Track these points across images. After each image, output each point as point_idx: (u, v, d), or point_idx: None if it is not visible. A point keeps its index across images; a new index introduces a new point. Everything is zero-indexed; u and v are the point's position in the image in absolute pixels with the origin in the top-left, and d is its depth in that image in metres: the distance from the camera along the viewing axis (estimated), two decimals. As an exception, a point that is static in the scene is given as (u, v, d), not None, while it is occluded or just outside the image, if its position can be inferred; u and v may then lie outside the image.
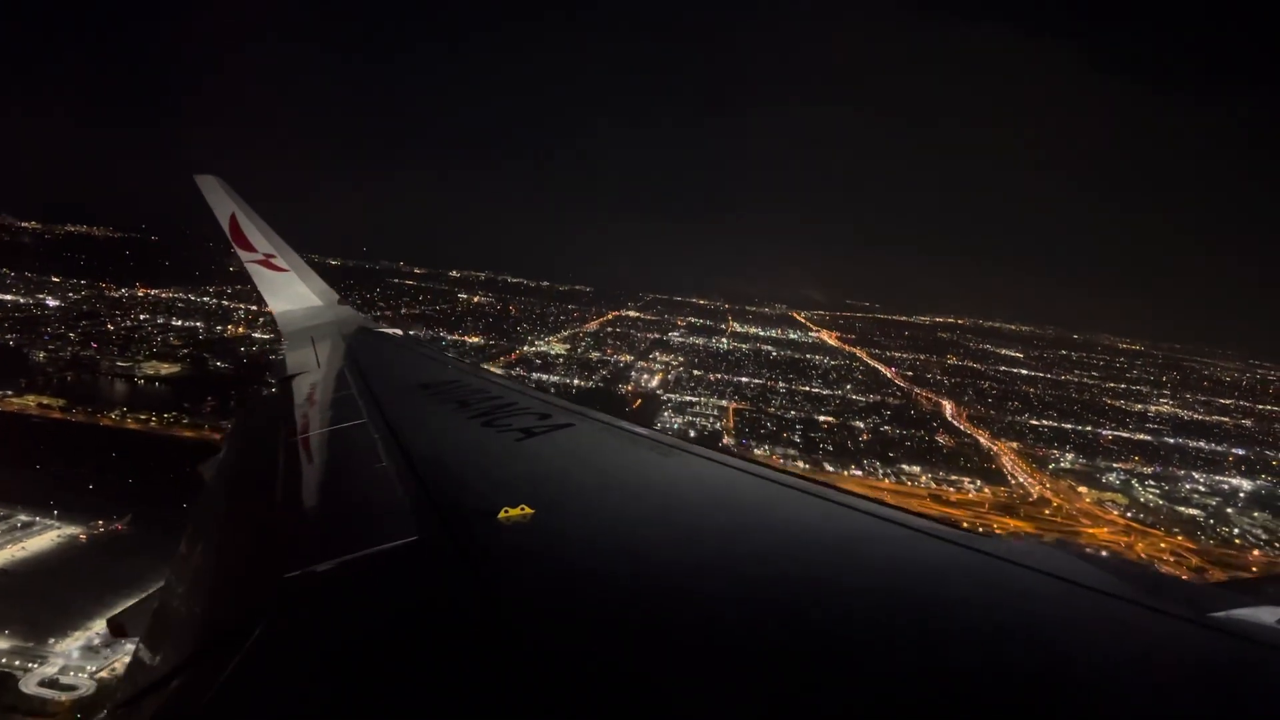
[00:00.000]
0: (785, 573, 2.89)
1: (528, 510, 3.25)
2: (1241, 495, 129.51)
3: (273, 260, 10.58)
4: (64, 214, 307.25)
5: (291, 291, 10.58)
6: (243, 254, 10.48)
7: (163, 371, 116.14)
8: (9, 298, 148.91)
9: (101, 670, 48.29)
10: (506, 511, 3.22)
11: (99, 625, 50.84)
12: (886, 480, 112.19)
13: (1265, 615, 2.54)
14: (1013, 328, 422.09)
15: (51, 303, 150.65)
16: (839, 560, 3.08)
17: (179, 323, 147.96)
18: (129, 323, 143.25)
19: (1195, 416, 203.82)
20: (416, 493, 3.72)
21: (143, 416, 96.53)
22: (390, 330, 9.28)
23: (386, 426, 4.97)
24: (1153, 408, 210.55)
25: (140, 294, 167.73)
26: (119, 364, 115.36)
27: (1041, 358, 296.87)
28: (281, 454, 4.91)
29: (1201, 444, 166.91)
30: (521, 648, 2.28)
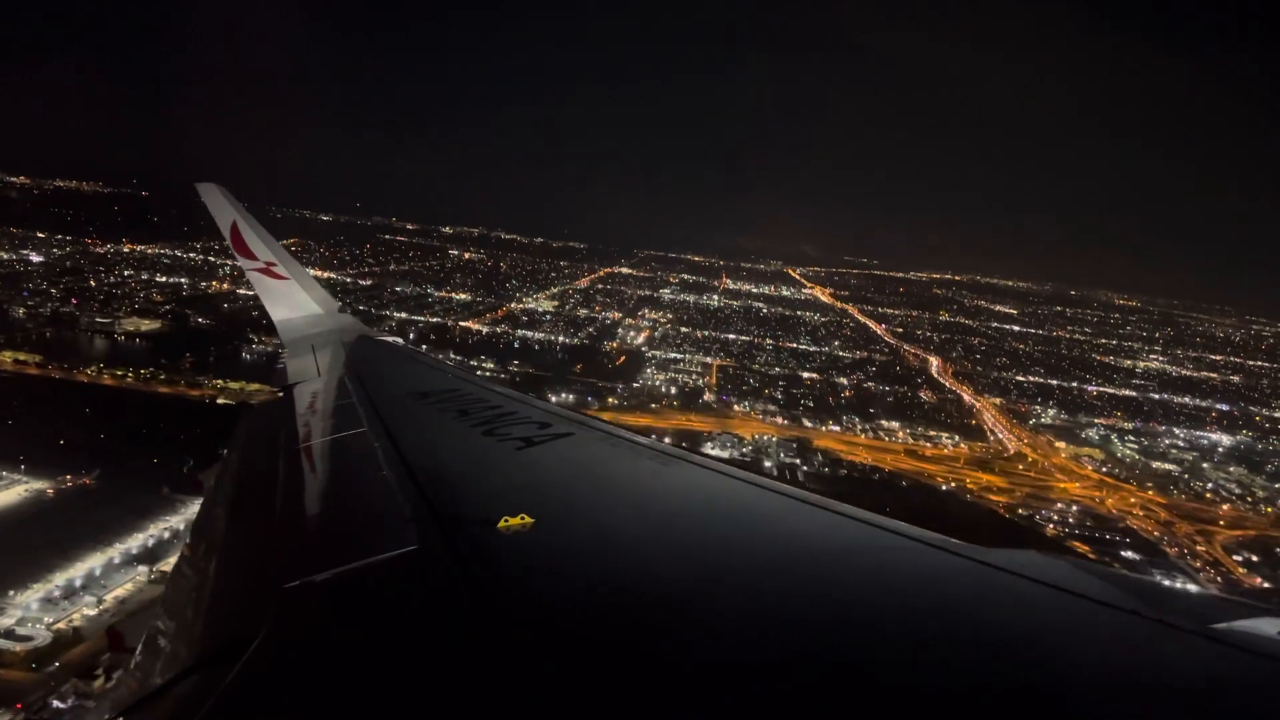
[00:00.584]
0: (784, 583, 2.92)
1: (528, 519, 3.27)
2: (1220, 450, 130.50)
3: (273, 268, 10.55)
4: (54, 169, 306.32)
5: (292, 299, 10.53)
6: (244, 262, 10.50)
7: (143, 328, 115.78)
8: None
9: (59, 622, 49.25)
10: (506, 521, 3.25)
11: (60, 578, 52.02)
12: (864, 436, 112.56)
13: (1267, 627, 2.54)
14: (1010, 284, 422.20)
15: (35, 258, 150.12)
16: (838, 571, 3.09)
17: (163, 279, 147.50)
18: (112, 279, 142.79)
19: (1184, 373, 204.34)
20: (416, 502, 3.73)
21: (119, 372, 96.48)
22: (390, 338, 9.56)
23: (386, 435, 4.96)
24: (1141, 364, 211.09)
25: (126, 250, 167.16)
26: (98, 320, 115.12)
27: (1036, 314, 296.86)
28: (282, 463, 4.89)
29: (1186, 400, 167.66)
30: (521, 658, 2.27)
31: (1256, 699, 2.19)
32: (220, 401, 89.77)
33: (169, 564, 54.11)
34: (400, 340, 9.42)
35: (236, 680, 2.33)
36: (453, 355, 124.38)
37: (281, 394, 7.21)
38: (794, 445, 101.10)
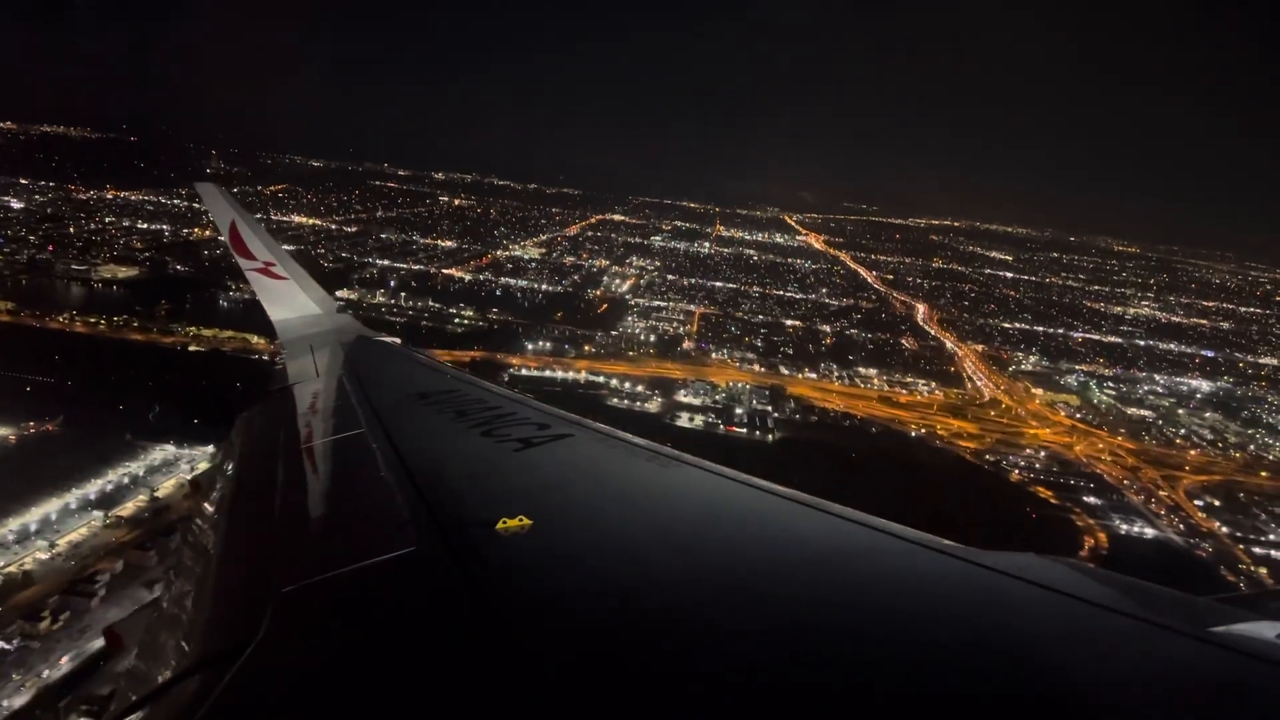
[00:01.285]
0: (783, 586, 2.92)
1: (526, 521, 3.27)
2: (1198, 396, 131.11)
3: (272, 268, 10.45)
4: (42, 115, 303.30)
5: (291, 299, 10.43)
6: (242, 261, 10.41)
7: (120, 275, 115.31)
8: None
9: (10, 565, 49.74)
10: (505, 523, 3.26)
11: (14, 523, 52.52)
12: (839, 383, 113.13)
13: (1266, 630, 2.57)
14: (1010, 230, 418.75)
15: (16, 205, 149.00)
16: (837, 574, 3.10)
17: (145, 225, 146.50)
18: (93, 225, 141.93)
19: (1173, 319, 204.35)
20: (415, 504, 3.73)
21: (92, 320, 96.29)
22: (389, 339, 9.49)
23: (385, 437, 4.94)
24: (1132, 310, 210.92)
25: (110, 196, 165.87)
26: (74, 267, 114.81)
27: (1031, 260, 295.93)
28: (279, 464, 4.89)
29: (1172, 346, 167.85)
30: (519, 660, 2.29)
31: (1255, 703, 2.18)
32: (192, 349, 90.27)
33: (125, 509, 55.05)
34: (398, 341, 9.43)
35: (235, 682, 2.33)
36: (432, 303, 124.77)
37: (280, 393, 7.16)
38: (766, 392, 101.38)
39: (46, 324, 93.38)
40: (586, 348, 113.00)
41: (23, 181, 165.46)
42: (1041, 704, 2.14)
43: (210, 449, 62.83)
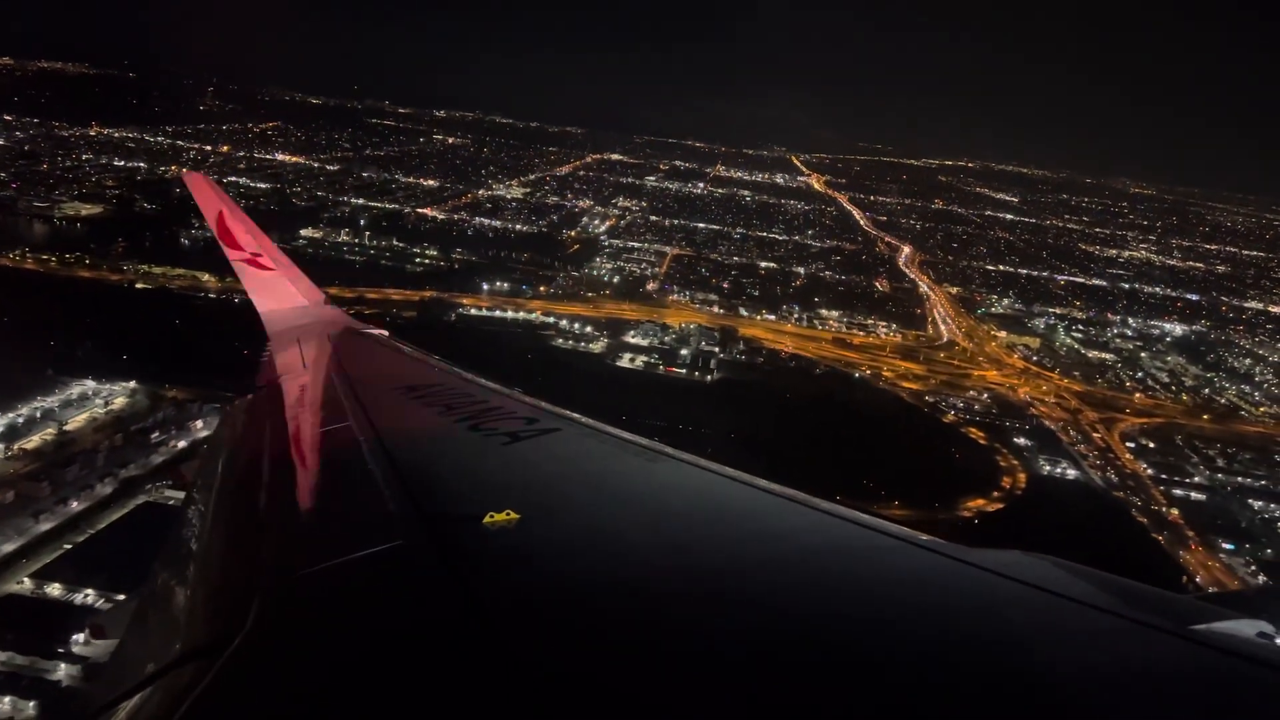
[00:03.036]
0: (768, 581, 2.94)
1: (513, 515, 3.27)
2: (1167, 340, 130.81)
3: (259, 259, 10.19)
4: (42, 50, 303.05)
5: (278, 291, 10.20)
6: (229, 252, 10.21)
7: (83, 212, 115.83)
8: None
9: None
10: (492, 516, 3.25)
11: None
12: (795, 325, 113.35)
13: (1246, 628, 2.61)
14: (1026, 171, 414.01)
15: None
16: (821, 569, 3.13)
17: (122, 163, 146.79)
18: (69, 163, 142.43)
19: (1169, 262, 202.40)
20: (402, 497, 3.72)
21: (45, 257, 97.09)
22: (376, 331, 9.43)
23: (372, 430, 4.89)
24: (1127, 253, 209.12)
25: (93, 133, 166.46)
26: (36, 205, 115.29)
27: (1038, 202, 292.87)
28: (265, 458, 4.87)
29: (1157, 290, 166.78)
30: (504, 654, 2.31)
31: (1235, 700, 2.22)
32: (139, 286, 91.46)
33: (31, 442, 56.77)
34: (386, 333, 9.26)
35: (221, 674, 2.35)
36: (397, 242, 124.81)
37: (267, 386, 7.11)
38: (716, 334, 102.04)
39: None
40: (545, 288, 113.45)
41: (6, 118, 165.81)
42: (1025, 700, 2.15)
43: (132, 384, 64.42)
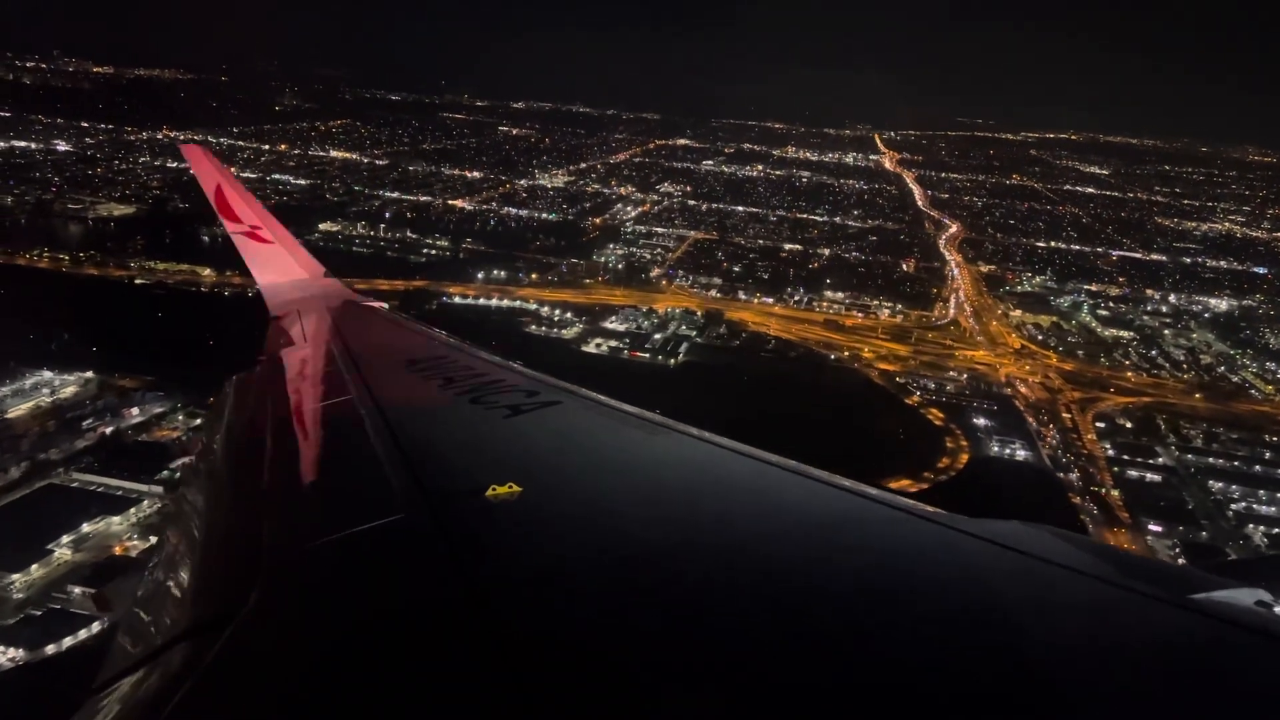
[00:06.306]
0: (769, 553, 2.95)
1: (515, 488, 3.28)
2: (1205, 316, 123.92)
3: (259, 232, 10.10)
4: (140, 58, 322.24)
5: (277, 264, 10.13)
6: (229, 225, 10.04)
7: (115, 213, 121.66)
8: (21, 144, 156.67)
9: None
10: (495, 489, 3.25)
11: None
12: (787, 307, 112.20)
13: (1244, 597, 2.61)
14: (1134, 142, 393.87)
15: (62, 147, 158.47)
16: (823, 541, 3.11)
17: (174, 164, 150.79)
18: (124, 165, 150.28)
19: (1252, 234, 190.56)
20: (403, 471, 3.73)
21: (60, 256, 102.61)
22: (377, 304, 9.64)
23: (372, 403, 4.91)
24: (1205, 226, 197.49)
25: (160, 136, 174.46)
26: (70, 206, 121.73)
27: (1132, 174, 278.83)
28: (266, 432, 4.87)
29: (1222, 264, 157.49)
30: (507, 627, 2.31)
31: (1233, 668, 2.22)
32: (138, 282, 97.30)
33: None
34: (386, 306, 9.40)
35: (224, 649, 2.36)
36: (410, 234, 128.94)
37: (267, 360, 7.15)
38: (697, 318, 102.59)
39: (12, 260, 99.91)
40: (543, 276, 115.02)
41: (83, 124, 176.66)
42: (1023, 670, 2.17)
43: (89, 374, 69.28)
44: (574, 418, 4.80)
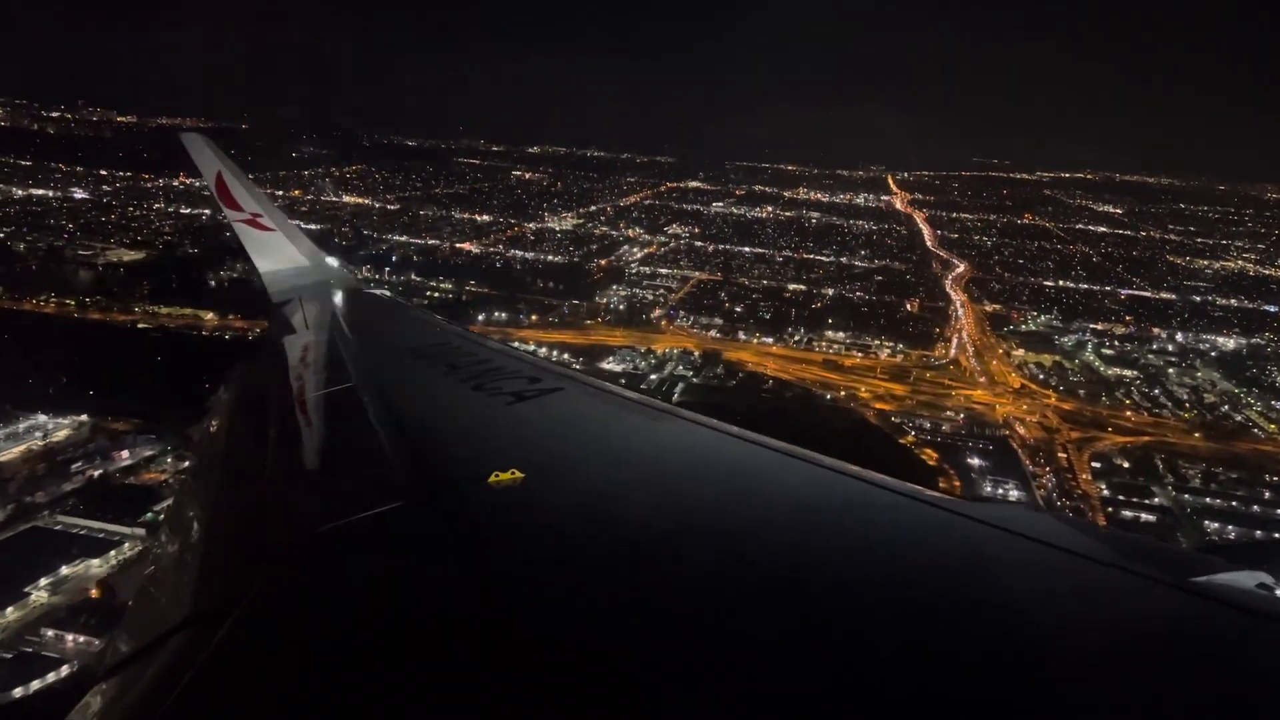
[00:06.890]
0: (772, 538, 2.96)
1: (518, 474, 3.29)
2: (1211, 355, 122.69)
3: (259, 219, 10.08)
4: (162, 108, 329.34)
5: (279, 251, 10.09)
6: (230, 213, 10.06)
7: (125, 258, 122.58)
8: (39, 192, 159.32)
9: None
10: (497, 476, 3.26)
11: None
12: (785, 348, 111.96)
13: (1245, 580, 2.64)
14: (1150, 181, 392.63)
15: (79, 195, 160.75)
16: (825, 525, 3.14)
17: (187, 210, 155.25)
18: (138, 212, 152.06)
19: (1265, 272, 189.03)
20: (406, 457, 3.76)
21: (68, 301, 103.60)
22: (380, 291, 9.99)
23: (376, 390, 4.97)
24: (1219, 263, 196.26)
25: (176, 183, 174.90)
26: (80, 252, 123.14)
27: (1146, 213, 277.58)
28: (270, 420, 4.89)
29: (1232, 302, 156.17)
30: (508, 613, 2.31)
31: (1234, 651, 2.24)
32: (140, 326, 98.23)
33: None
34: (389, 293, 9.43)
35: (228, 636, 2.36)
36: (415, 276, 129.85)
37: (270, 346, 7.19)
38: (694, 358, 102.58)
39: (20, 306, 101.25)
40: (539, 317, 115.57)
41: (101, 172, 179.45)
42: (1025, 653, 2.18)
43: (83, 418, 70.21)
44: (576, 404, 4.86)
